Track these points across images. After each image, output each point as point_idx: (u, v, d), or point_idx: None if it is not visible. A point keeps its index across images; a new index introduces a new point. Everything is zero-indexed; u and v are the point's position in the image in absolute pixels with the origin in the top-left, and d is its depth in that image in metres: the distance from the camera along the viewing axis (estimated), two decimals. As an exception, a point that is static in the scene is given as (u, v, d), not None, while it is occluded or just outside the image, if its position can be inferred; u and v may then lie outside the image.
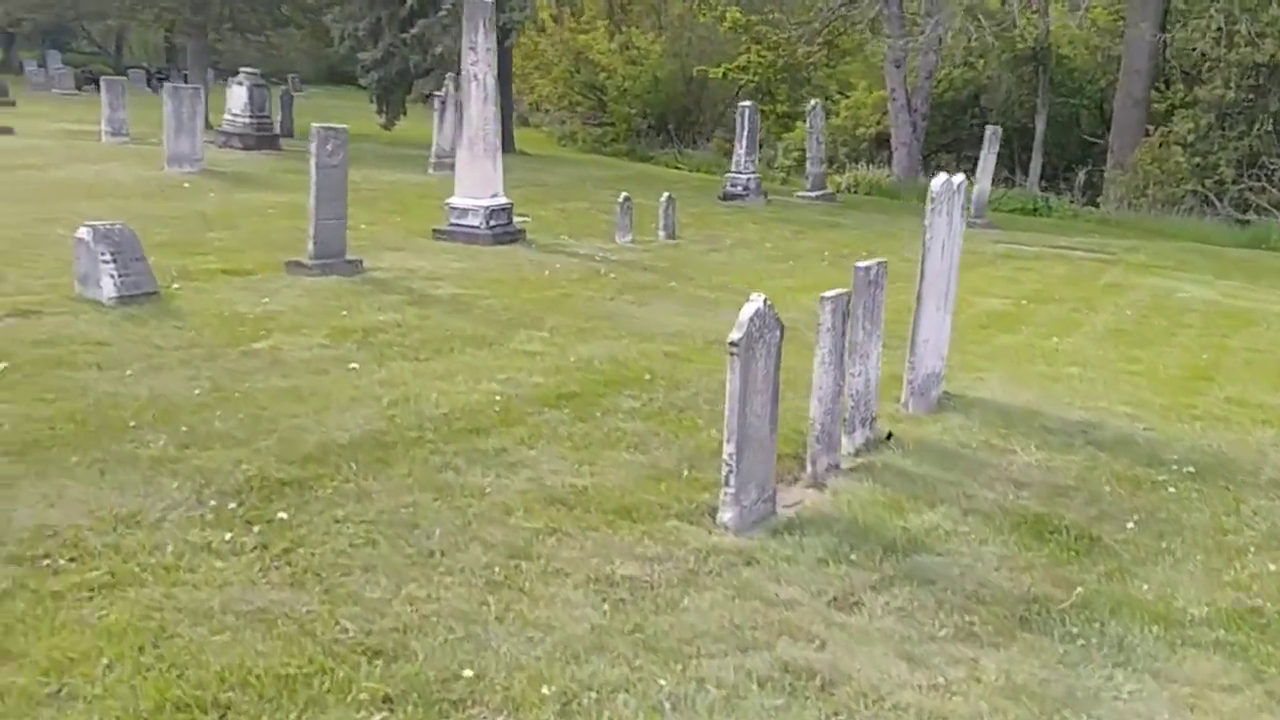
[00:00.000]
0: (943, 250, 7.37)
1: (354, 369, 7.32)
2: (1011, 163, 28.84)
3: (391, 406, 6.53)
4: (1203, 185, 22.27)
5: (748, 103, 20.89)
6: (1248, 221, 21.16)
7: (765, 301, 5.28)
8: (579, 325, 9.06)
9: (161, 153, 18.68)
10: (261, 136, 22.76)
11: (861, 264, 6.45)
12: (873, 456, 6.37)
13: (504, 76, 30.02)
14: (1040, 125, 26.98)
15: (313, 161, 10.57)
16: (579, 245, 13.95)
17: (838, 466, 6.11)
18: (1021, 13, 23.97)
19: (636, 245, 14.18)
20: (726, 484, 5.10)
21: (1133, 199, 22.62)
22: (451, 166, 21.10)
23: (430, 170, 21.08)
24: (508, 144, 29.36)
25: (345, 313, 8.91)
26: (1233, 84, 21.84)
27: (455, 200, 13.88)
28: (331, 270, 10.57)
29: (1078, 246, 16.80)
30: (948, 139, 28.48)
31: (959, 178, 7.27)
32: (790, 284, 12.03)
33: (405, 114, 28.42)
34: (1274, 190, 21.89)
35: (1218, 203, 22.16)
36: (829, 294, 5.90)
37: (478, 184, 13.86)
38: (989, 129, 19.29)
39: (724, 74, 34.84)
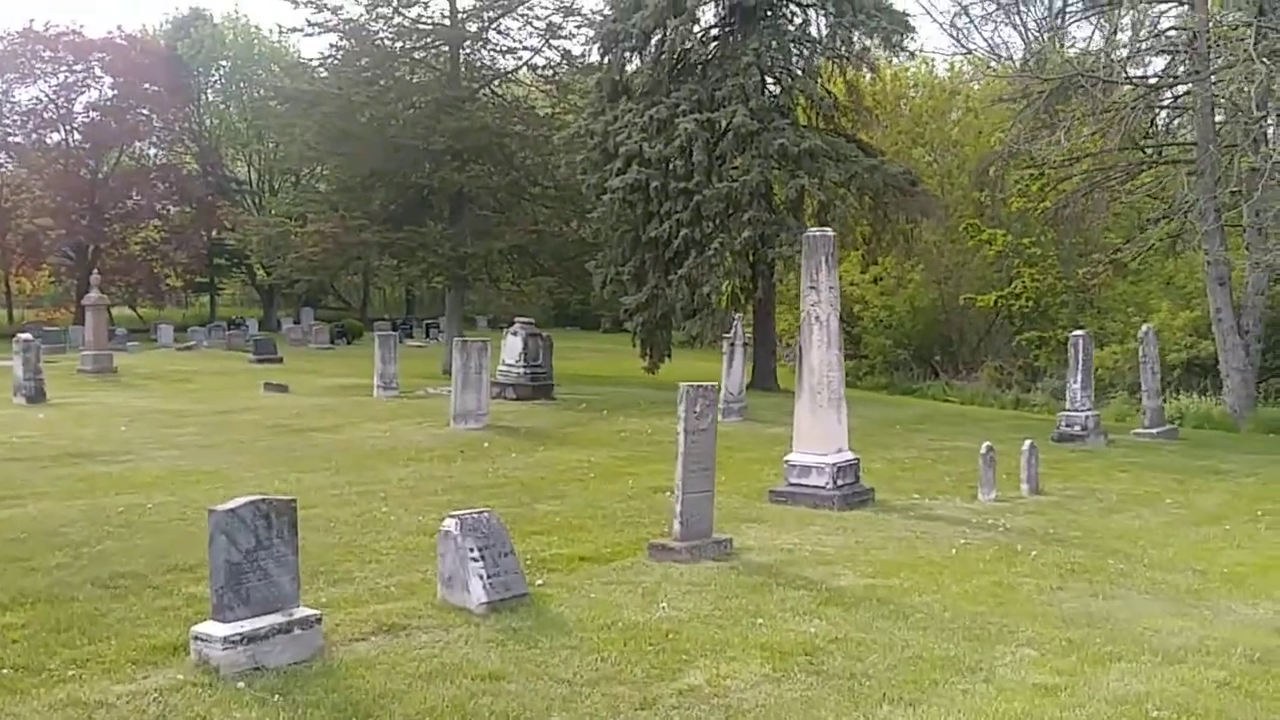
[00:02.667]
0: None
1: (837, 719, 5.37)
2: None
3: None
4: None
5: (1080, 331, 18.75)
6: None
7: None
8: (1062, 636, 6.90)
9: (443, 407, 17.91)
10: (537, 386, 21.97)
11: None
12: None
13: (767, 314, 29.07)
14: None
15: (681, 425, 9.02)
16: (939, 506, 11.89)
17: None
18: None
19: (1004, 503, 12.02)
20: None
21: None
22: (740, 412, 19.85)
23: (722, 418, 19.58)
24: (770, 382, 28.10)
25: (760, 621, 7.05)
26: None
27: (796, 457, 12.12)
28: (701, 554, 8.82)
29: None
30: (1274, 362, 25.42)
31: None
32: (1248, 558, 9.58)
33: (669, 356, 27.46)
34: None
35: None
36: None
37: (821, 438, 12.09)
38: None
39: (994, 301, 32.82)
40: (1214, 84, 21.67)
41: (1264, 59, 18.69)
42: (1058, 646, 6.69)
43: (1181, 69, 24.23)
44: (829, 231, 12.50)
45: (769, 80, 26.51)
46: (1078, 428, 17.67)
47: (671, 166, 24.51)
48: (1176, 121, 27.30)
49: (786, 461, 12.18)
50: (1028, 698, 5.76)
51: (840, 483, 11.88)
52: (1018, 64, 32.86)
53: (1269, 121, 21.98)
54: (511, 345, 22.28)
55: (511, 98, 34.66)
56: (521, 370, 22.06)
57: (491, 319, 51.73)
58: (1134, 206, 30.62)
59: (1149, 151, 26.93)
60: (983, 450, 12.52)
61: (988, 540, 9.93)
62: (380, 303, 67.92)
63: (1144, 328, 19.89)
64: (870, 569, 8.67)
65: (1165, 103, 25.80)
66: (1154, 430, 18.94)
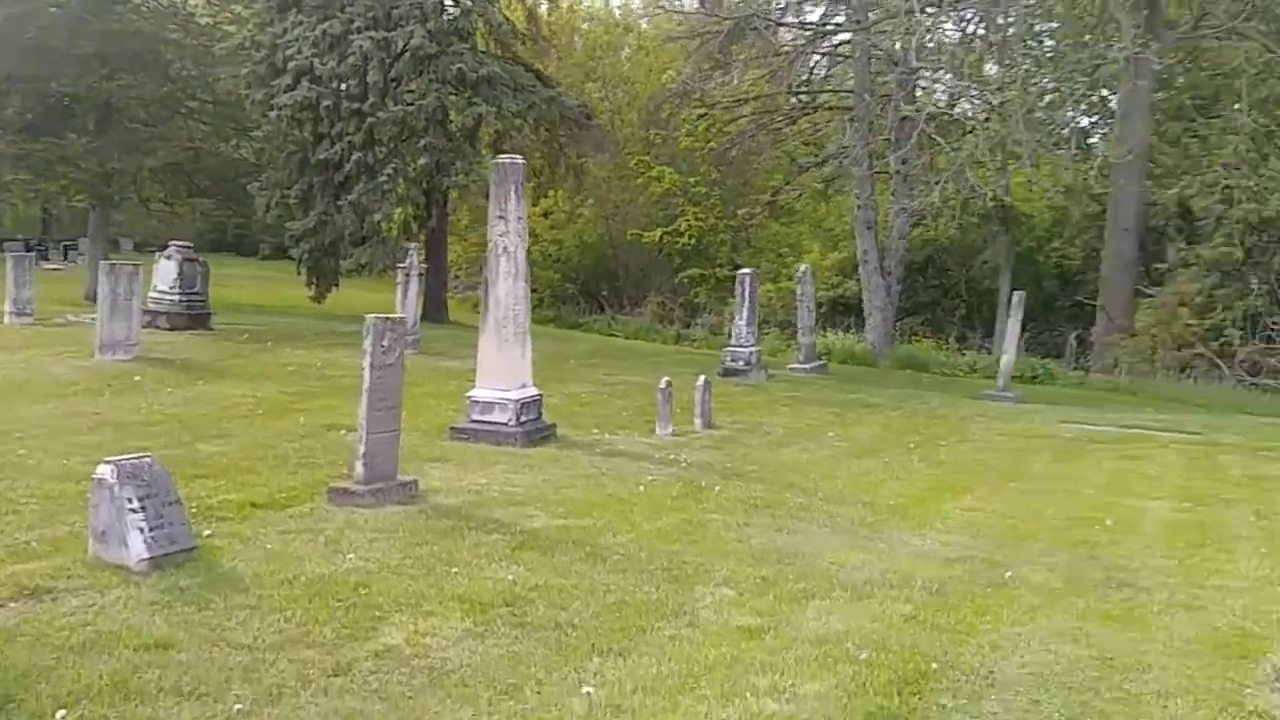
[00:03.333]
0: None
1: (548, 680, 5.11)
2: (972, 325, 28.06)
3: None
4: (1208, 348, 21.56)
5: (747, 270, 19.40)
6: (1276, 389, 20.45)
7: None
8: (756, 574, 6.99)
9: (88, 336, 16.16)
10: (193, 315, 20.26)
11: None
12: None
13: (440, 244, 28.33)
14: (1006, 287, 26.25)
15: (366, 360, 8.42)
16: (619, 441, 11.94)
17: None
18: (979, 173, 23.28)
19: (682, 438, 12.24)
20: None
21: (1136, 364, 21.78)
22: (414, 344, 19.16)
23: (395, 349, 18.85)
24: (442, 313, 27.50)
25: (455, 569, 6.68)
26: (1238, 241, 21.36)
27: (479, 393, 11.77)
28: (386, 497, 8.32)
29: (1148, 425, 15.47)
30: (907, 302, 27.56)
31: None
32: (907, 489, 10.20)
33: (338, 285, 26.22)
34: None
35: (1223, 366, 21.44)
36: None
37: (506, 374, 11.81)
38: (1015, 295, 18.14)
39: (660, 238, 33.62)
40: (873, 35, 22.90)
41: (923, 12, 19.88)
42: (753, 585, 6.76)
43: (841, 18, 25.45)
44: (519, 159, 12.11)
45: (448, 1, 25.58)
46: (742, 363, 18.35)
47: (344, 86, 23.23)
48: (837, 69, 28.76)
49: (469, 397, 11.80)
50: (734, 641, 5.73)
51: (523, 419, 11.65)
52: (690, 4, 33.49)
53: (922, 74, 23.52)
54: (165, 270, 20.41)
55: (169, 2, 31.57)
56: (176, 297, 20.28)
57: (139, 242, 47.60)
58: (789, 153, 32.14)
59: (808, 97, 28.25)
60: (661, 385, 12.66)
61: (672, 476, 10.01)
62: (13, 221, 60.98)
63: (802, 268, 20.92)
64: (562, 509, 8.48)
65: (826, 50, 27.08)
66: (808, 365, 20.01)
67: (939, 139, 22.86)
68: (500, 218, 11.80)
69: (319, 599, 6.00)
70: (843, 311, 28.33)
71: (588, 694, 4.92)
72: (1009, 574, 7.42)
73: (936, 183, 22.05)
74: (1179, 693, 5.43)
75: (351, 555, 6.83)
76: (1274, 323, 22.08)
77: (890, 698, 5.12)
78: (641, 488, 9.39)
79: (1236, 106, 22.51)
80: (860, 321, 25.95)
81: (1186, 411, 17.75)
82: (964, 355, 23.98)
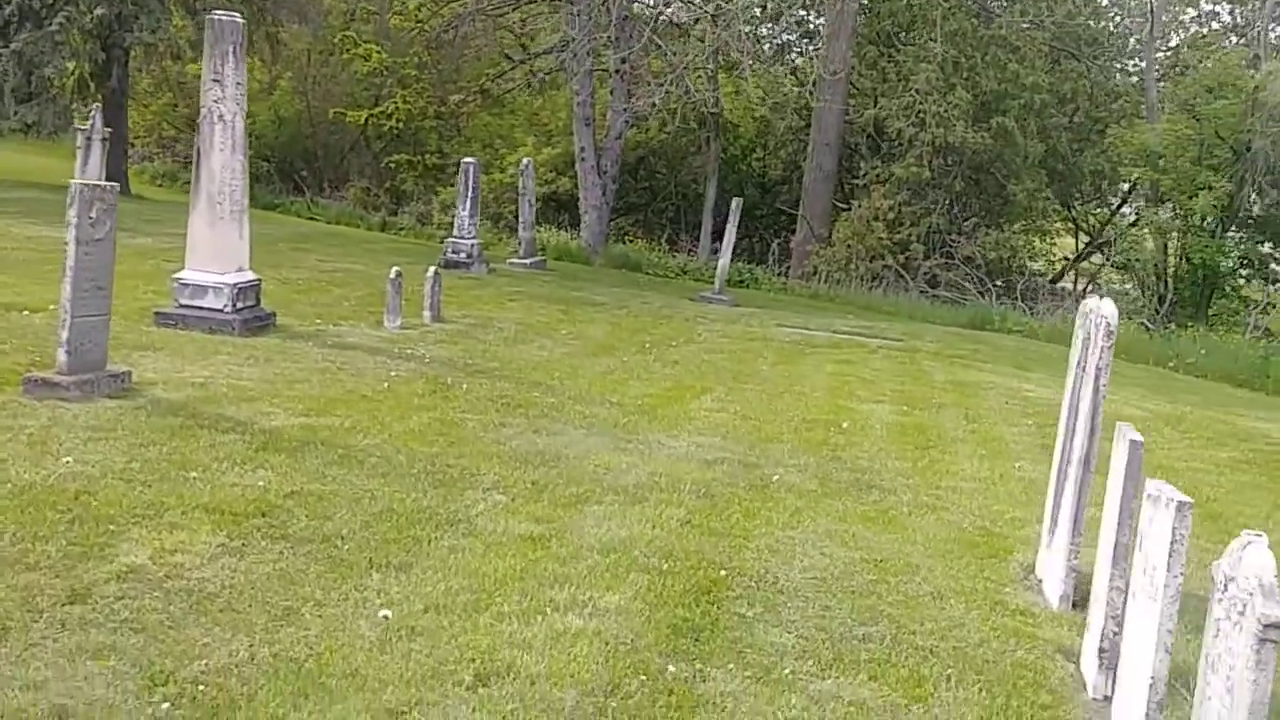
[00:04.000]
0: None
1: (327, 600, 4.61)
2: (680, 229, 28.52)
3: None
4: (896, 260, 22.84)
5: (471, 159, 18.64)
6: (959, 301, 21.91)
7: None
8: (525, 479, 6.67)
9: None
10: None
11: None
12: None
13: (120, 107, 25.60)
14: (712, 193, 26.78)
15: (72, 234, 7.32)
16: (347, 333, 11.20)
17: None
18: (693, 79, 23.47)
19: (414, 331, 11.66)
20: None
21: (834, 272, 22.78)
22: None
23: (74, 222, 16.90)
24: (123, 185, 25.02)
25: (194, 475, 5.96)
26: (926, 162, 22.58)
27: (190, 275, 10.66)
28: (96, 390, 7.36)
29: (855, 331, 16.17)
30: (620, 203, 27.56)
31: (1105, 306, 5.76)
32: (650, 389, 10.14)
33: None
34: (960, 267, 22.88)
35: (907, 278, 22.80)
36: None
37: (221, 255, 10.74)
38: (734, 201, 18.38)
39: (365, 119, 31.93)
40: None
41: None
42: (525, 490, 6.44)
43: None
44: (238, 17, 10.91)
45: None
46: (464, 255, 17.75)
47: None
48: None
49: (177, 280, 10.66)
50: (519, 551, 5.41)
51: (240, 305, 10.67)
52: None
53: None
54: None
55: None
56: None
57: None
58: (507, 42, 31.20)
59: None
60: (391, 275, 11.96)
61: (414, 372, 9.46)
62: None
63: (524, 161, 20.41)
64: (301, 406, 7.80)
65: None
66: (527, 261, 19.65)
67: (660, 41, 22.79)
68: (216, 81, 10.61)
69: (33, 510, 5.17)
70: (555, 208, 28.03)
71: (385, 617, 4.45)
72: (772, 476, 7.47)
73: (661, 84, 21.98)
74: (950, 594, 5.61)
75: (67, 459, 5.94)
76: (951, 239, 23.69)
77: (690, 608, 4.97)
78: (385, 384, 8.80)
79: (930, 37, 23.67)
80: (574, 219, 25.78)
81: (881, 319, 18.78)
82: (675, 257, 24.33)
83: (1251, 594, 3.16)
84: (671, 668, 4.36)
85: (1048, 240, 28.17)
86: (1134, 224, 26.52)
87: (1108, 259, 26.21)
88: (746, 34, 23.74)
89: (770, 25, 29.13)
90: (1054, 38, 24.79)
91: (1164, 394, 13.78)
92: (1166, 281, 21.83)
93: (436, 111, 31.72)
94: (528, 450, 7.35)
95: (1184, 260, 21.86)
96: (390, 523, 5.60)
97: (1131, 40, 29.10)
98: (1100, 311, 5.57)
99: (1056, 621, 5.38)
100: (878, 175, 23.61)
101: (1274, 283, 24.70)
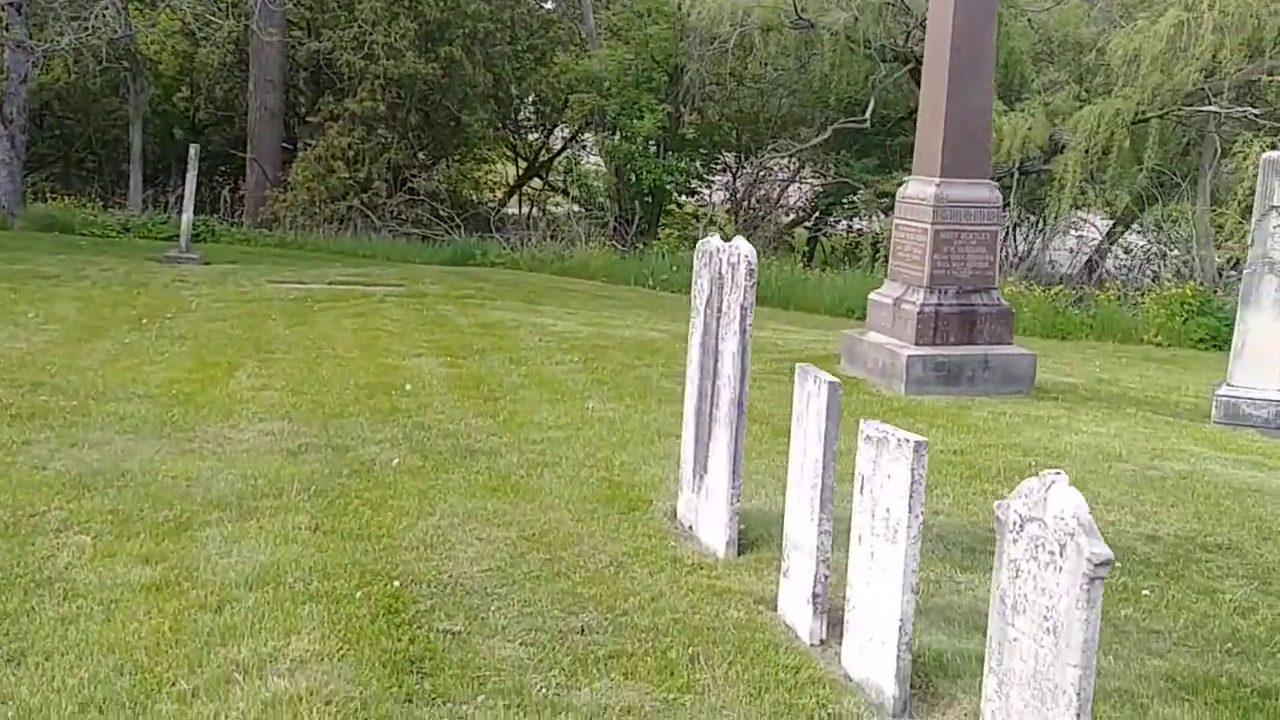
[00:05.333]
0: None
1: None
2: (108, 182, 25.48)
3: None
4: (361, 200, 21.87)
5: None
6: (432, 238, 21.44)
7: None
8: (102, 510, 5.44)
9: None
10: None
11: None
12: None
13: None
14: (137, 138, 23.99)
15: None
16: None
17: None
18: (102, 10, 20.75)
19: None
20: None
21: (297, 218, 21.36)
22: None
23: None
24: None
25: None
26: (379, 96, 21.75)
27: None
28: None
29: (351, 280, 15.18)
30: (29, 156, 23.77)
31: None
32: (174, 374, 8.85)
33: None
34: (426, 203, 22.47)
35: (374, 218, 21.98)
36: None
37: None
38: (191, 148, 16.50)
39: None
40: None
41: None
42: (107, 523, 5.27)
43: None
44: None
45: None
46: None
47: None
48: None
49: None
50: (150, 605, 4.37)
51: None
52: None
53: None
54: None
55: None
56: None
57: None
58: None
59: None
60: None
61: None
62: None
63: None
64: None
65: None
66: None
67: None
68: None
69: None
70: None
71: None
72: (369, 457, 6.77)
73: (74, 19, 19.14)
74: (627, 560, 5.38)
75: None
76: (412, 175, 23.33)
77: (392, 637, 4.29)
78: None
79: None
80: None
81: (366, 265, 18.02)
82: (113, 214, 21.59)
83: (1073, 533, 3.21)
84: (423, 714, 3.70)
85: (496, 169, 28.72)
86: (582, 148, 27.73)
87: (564, 186, 27.22)
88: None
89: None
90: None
91: (663, 312, 14.50)
92: (622, 204, 23.08)
93: None
94: (79, 471, 6.02)
95: (635, 181, 23.21)
96: None
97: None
98: (738, 251, 5.54)
99: (732, 570, 5.34)
100: (331, 112, 22.53)
101: (694, 194, 27.06)
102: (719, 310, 5.73)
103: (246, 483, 6.07)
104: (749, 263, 5.48)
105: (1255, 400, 9.09)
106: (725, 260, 5.68)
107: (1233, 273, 18.75)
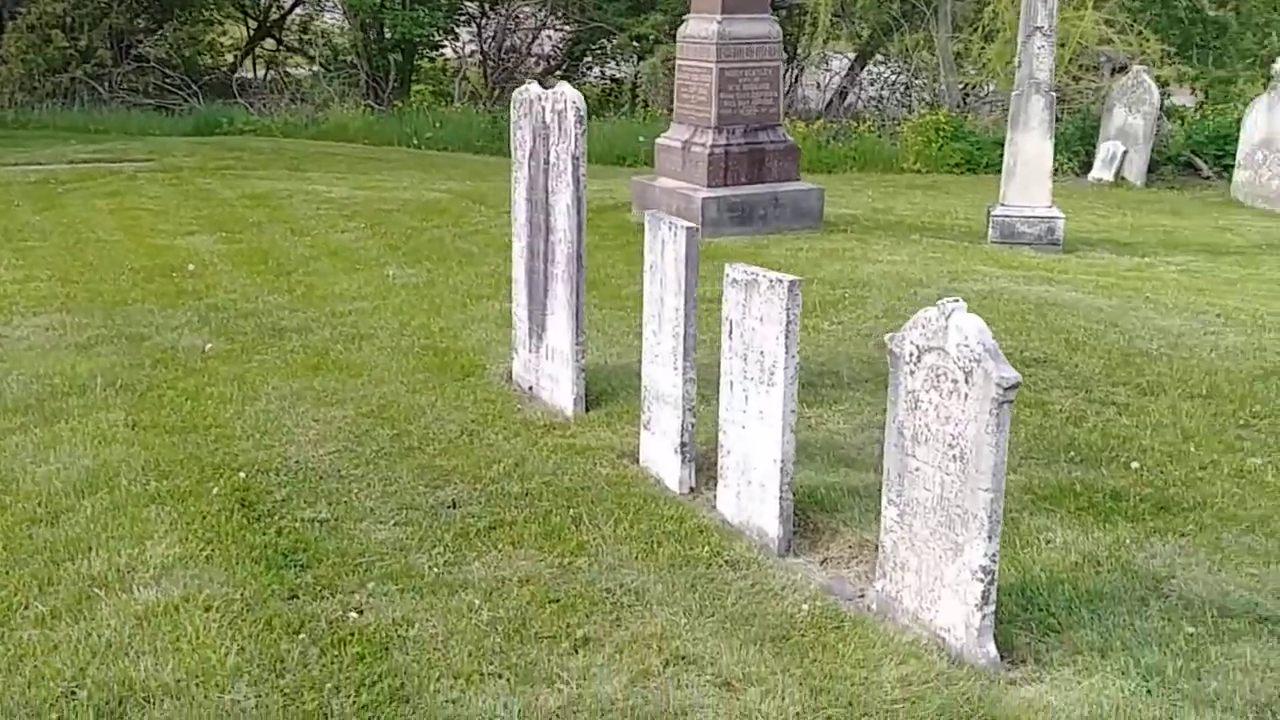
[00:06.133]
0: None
1: None
2: None
3: None
4: (85, 71, 19.77)
5: None
6: (171, 108, 19.65)
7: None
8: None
9: None
10: None
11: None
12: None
13: None
14: None
15: None
16: None
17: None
18: None
19: None
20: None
21: (16, 94, 19.13)
22: None
23: None
24: None
25: None
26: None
27: None
28: None
29: (95, 158, 13.76)
30: None
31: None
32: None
33: None
34: (156, 70, 20.55)
35: (102, 89, 19.96)
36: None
37: None
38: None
39: None
40: None
41: None
42: None
43: None
44: None
45: None
46: None
47: None
48: None
49: None
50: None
51: None
52: None
53: None
54: None
55: None
56: None
57: None
58: None
59: None
60: None
61: None
62: None
63: None
64: None
65: None
66: None
67: None
68: None
69: None
70: None
71: None
72: (171, 344, 6.26)
73: None
74: (478, 427, 5.22)
75: None
76: (138, 40, 21.30)
77: (262, 533, 4.04)
78: None
79: None
80: None
81: (100, 140, 16.41)
82: None
83: (979, 359, 3.26)
84: (315, 609, 3.49)
85: (227, 30, 26.66)
86: (318, 4, 25.97)
87: (301, 46, 25.58)
88: None
89: None
90: None
91: (436, 171, 13.98)
92: (372, 61, 21.82)
93: None
94: None
95: (383, 37, 21.96)
96: None
97: None
98: (564, 97, 5.30)
99: (587, 427, 5.25)
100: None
101: (439, 49, 25.89)
102: (546, 162, 5.50)
103: (42, 383, 5.52)
104: (577, 109, 5.26)
105: (1028, 219, 9.63)
106: (549, 108, 5.43)
107: (976, 99, 19.71)
